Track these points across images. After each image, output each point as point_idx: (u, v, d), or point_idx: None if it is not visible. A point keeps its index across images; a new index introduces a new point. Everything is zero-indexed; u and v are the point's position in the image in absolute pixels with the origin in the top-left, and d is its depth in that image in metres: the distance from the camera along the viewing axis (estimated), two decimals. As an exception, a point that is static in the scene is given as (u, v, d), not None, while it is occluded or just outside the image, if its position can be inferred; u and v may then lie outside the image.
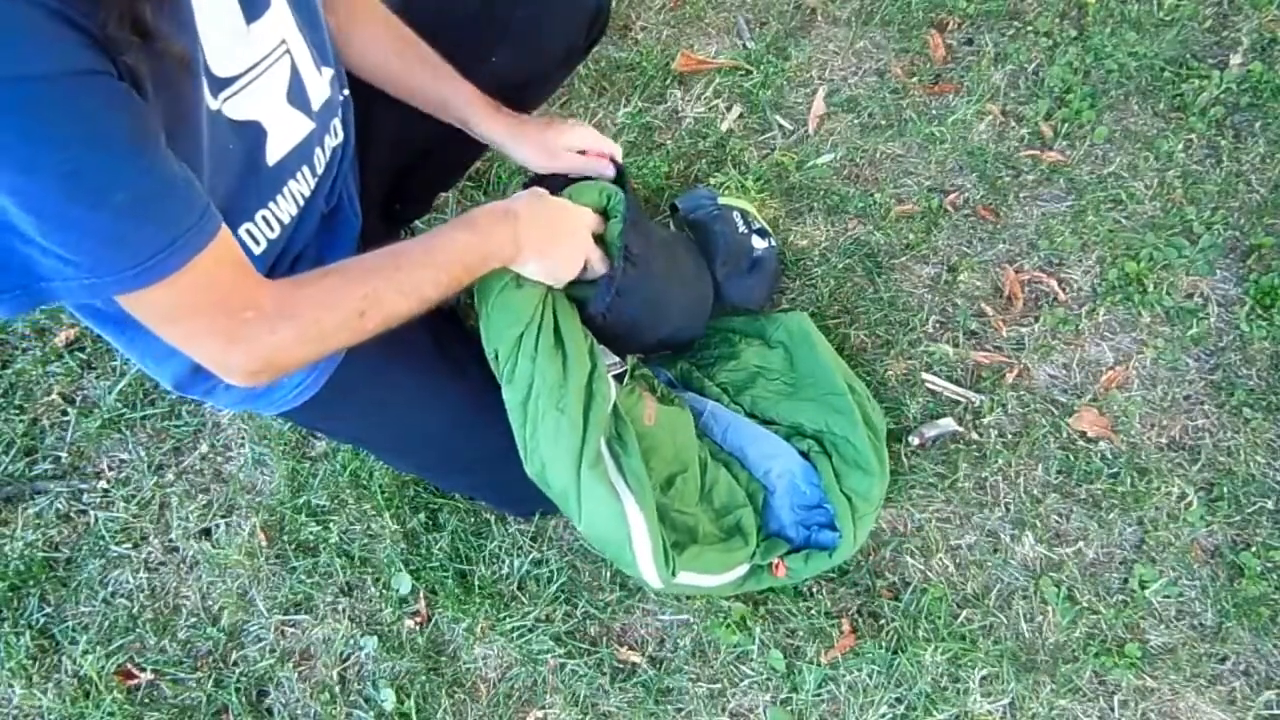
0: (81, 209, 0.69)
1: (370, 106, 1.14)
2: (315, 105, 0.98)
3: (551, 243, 1.06)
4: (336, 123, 1.05)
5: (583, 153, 1.19)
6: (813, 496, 1.28)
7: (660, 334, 1.34)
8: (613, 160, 1.21)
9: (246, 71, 0.88)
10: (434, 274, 0.94)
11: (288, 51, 0.93)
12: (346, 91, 1.09)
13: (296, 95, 0.95)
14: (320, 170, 1.03)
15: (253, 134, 0.92)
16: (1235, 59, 1.72)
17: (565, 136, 1.17)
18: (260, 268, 0.93)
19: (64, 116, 0.65)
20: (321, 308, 0.88)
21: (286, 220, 0.98)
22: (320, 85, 0.99)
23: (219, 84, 0.86)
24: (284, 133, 0.95)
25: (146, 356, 1.02)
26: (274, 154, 0.95)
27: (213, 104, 0.85)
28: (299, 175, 0.99)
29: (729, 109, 1.77)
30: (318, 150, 1.01)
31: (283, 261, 1.01)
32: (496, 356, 1.12)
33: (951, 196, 1.64)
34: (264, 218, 0.95)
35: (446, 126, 1.17)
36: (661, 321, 1.31)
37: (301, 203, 1.01)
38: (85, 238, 0.71)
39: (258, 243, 0.95)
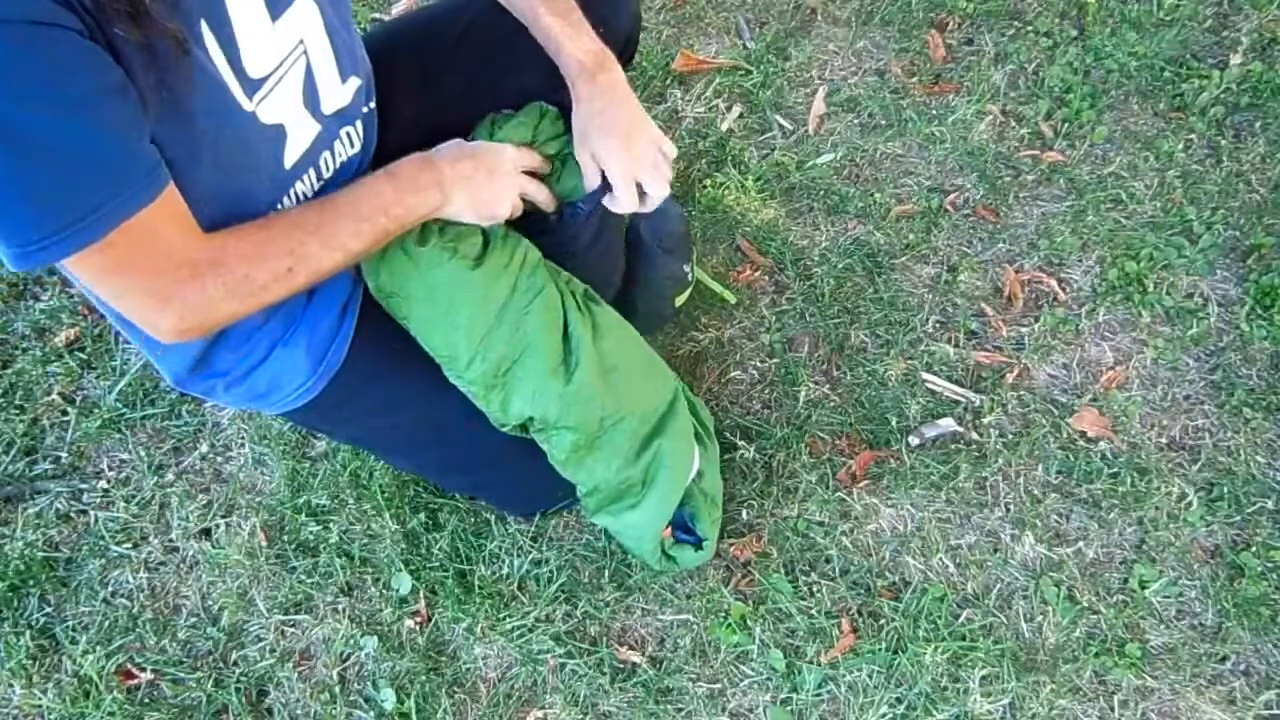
0: (9, 163, 0.67)
1: (389, 121, 1.13)
2: (325, 109, 0.98)
3: (478, 181, 1.01)
4: (353, 131, 1.05)
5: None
6: None
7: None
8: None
9: (274, 72, 0.88)
10: (356, 225, 0.93)
11: (305, 52, 0.93)
12: (372, 104, 1.08)
13: (309, 98, 0.95)
14: (327, 175, 1.02)
15: (277, 137, 0.92)
16: (1235, 59, 1.72)
17: (637, 162, 1.07)
18: None
19: (6, 64, 0.64)
20: (251, 262, 0.87)
21: None
22: (337, 92, 0.99)
23: (253, 85, 0.86)
24: (299, 136, 0.96)
25: (149, 347, 1.02)
26: (290, 157, 0.95)
27: (248, 105, 0.85)
28: (305, 178, 0.99)
29: (729, 109, 1.77)
30: (325, 154, 1.01)
31: None
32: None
33: (951, 196, 1.64)
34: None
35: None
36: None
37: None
38: (7, 193, 0.69)
39: None
